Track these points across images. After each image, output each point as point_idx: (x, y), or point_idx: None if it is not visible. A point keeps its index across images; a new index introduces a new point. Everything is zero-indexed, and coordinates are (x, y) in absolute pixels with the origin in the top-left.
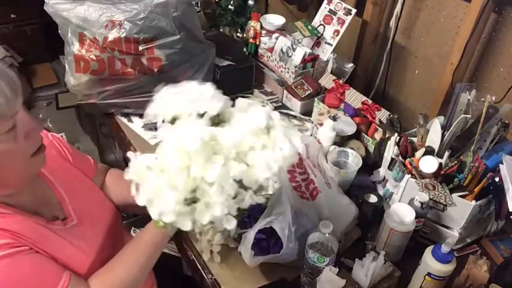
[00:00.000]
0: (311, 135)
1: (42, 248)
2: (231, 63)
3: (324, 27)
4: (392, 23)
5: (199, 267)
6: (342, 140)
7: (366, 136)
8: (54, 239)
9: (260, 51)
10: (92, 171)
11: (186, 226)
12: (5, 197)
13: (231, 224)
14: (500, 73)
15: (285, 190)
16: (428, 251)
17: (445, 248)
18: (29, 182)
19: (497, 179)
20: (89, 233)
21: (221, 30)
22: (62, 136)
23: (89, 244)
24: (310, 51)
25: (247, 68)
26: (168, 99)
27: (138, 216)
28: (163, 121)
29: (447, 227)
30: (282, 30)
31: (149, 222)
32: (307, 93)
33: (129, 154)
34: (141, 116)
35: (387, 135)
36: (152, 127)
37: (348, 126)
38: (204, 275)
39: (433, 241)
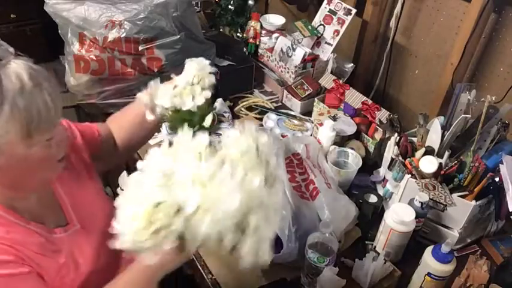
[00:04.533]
0: (311, 135)
1: (37, 261)
2: (231, 63)
3: (324, 27)
4: (392, 23)
5: (199, 267)
6: (342, 140)
7: (366, 136)
8: (54, 250)
9: (260, 51)
10: (97, 144)
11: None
12: (13, 199)
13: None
14: (500, 73)
15: (285, 190)
16: (428, 251)
17: (445, 248)
18: (42, 187)
19: (497, 179)
20: (91, 237)
21: (221, 30)
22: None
23: (91, 250)
24: (310, 51)
25: (247, 68)
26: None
27: None
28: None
29: (447, 227)
30: (282, 30)
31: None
32: (307, 93)
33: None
34: None
35: (387, 135)
36: None
37: (348, 126)
38: (204, 275)
39: (433, 241)
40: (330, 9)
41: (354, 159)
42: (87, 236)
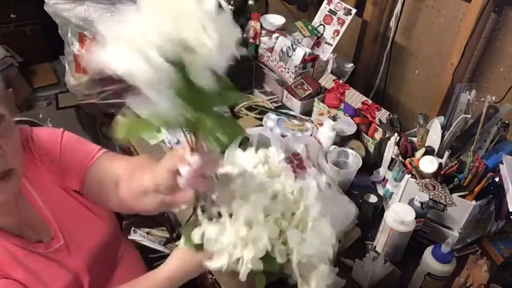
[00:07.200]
0: (311, 135)
1: (9, 272)
2: (231, 63)
3: (324, 27)
4: (392, 23)
5: None
6: (342, 140)
7: (366, 136)
8: (30, 263)
9: (260, 51)
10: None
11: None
12: None
13: None
14: (500, 73)
15: None
16: (428, 251)
17: (445, 248)
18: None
19: (497, 179)
20: (76, 254)
21: None
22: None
23: (74, 267)
24: (310, 51)
25: (247, 68)
26: None
27: (136, 217)
28: None
29: (447, 227)
30: (282, 30)
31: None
32: (307, 93)
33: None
34: None
35: (387, 135)
36: None
37: (348, 126)
38: (205, 275)
39: (433, 241)
40: (330, 9)
41: (354, 159)
42: (72, 252)
